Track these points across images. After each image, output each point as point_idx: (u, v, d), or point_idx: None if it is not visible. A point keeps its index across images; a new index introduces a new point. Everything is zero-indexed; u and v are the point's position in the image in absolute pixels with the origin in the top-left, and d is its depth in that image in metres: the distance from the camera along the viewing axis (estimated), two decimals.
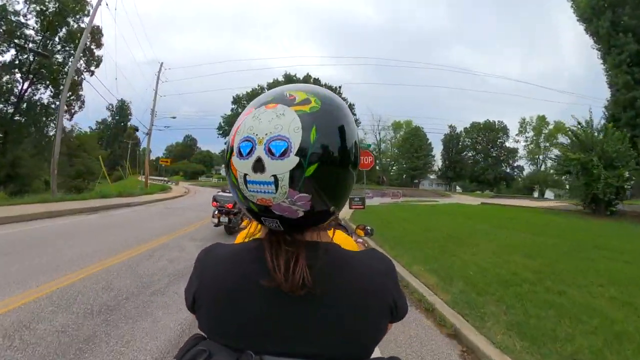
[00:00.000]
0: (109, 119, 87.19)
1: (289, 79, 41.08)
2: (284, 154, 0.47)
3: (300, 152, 0.48)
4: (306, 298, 0.53)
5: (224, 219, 7.82)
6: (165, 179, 58.57)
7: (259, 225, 0.62)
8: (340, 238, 0.96)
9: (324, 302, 0.54)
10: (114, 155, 73.49)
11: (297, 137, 0.48)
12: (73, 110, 41.43)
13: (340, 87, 42.54)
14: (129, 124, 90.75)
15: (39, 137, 33.42)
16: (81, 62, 41.24)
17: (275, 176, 0.48)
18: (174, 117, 28.25)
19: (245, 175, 0.49)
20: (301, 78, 41.16)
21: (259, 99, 0.56)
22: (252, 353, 0.50)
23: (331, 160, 0.50)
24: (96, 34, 40.09)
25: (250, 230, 0.68)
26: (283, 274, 0.52)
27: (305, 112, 0.50)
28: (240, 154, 0.50)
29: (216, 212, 7.83)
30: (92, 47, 40.70)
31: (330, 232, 0.65)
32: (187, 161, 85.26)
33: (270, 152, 0.47)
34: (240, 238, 0.89)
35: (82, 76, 41.27)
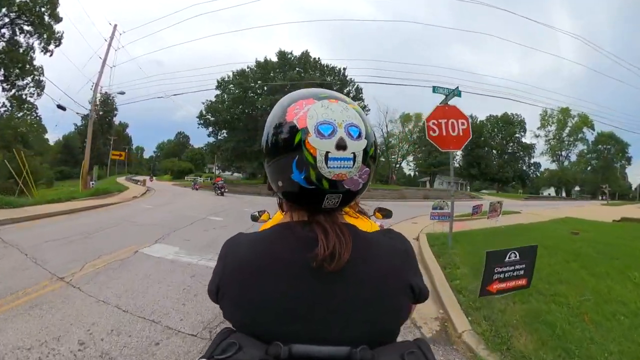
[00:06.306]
0: (93, 114, 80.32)
1: (284, 56, 34.15)
2: (359, 137, 0.58)
3: (367, 137, 0.60)
4: (330, 279, 0.56)
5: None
6: (148, 177, 52.82)
7: (280, 217, 0.68)
8: (361, 220, 0.99)
9: (346, 283, 0.57)
10: (98, 153, 68.17)
11: (362, 126, 0.60)
12: (24, 96, 34.87)
13: (345, 68, 35.65)
14: (114, 119, 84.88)
15: None
16: (35, 39, 34.33)
17: (354, 153, 0.57)
18: (122, 93, 21.25)
19: (327, 153, 0.56)
20: (297, 56, 34.33)
21: (309, 94, 0.62)
22: (280, 344, 0.51)
23: (375, 145, 0.63)
24: (51, 4, 33.07)
25: (275, 220, 0.73)
26: (331, 251, 0.56)
27: (356, 109, 0.62)
28: (320, 134, 0.56)
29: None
30: (50, 21, 33.79)
31: (352, 214, 0.75)
32: (177, 159, 78.98)
33: (349, 134, 0.57)
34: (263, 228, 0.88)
35: (33, 55, 34.50)
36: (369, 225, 1.08)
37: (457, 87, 5.14)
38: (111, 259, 5.08)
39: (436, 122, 5.05)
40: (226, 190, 22.75)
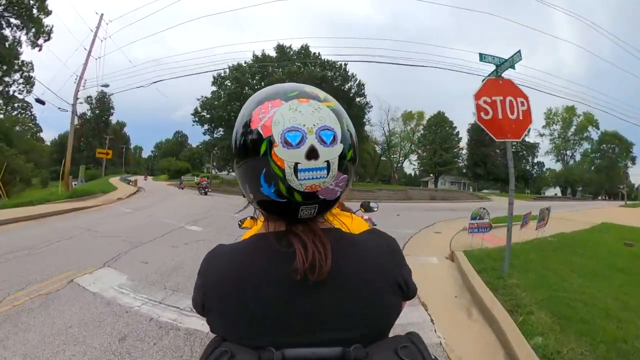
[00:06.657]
0: (89, 113, 78.84)
1: (282, 50, 32.66)
2: (333, 141, 0.51)
3: (342, 140, 0.52)
4: (316, 284, 0.53)
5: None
6: (142, 177, 52.09)
7: (260, 224, 0.64)
8: (348, 218, 0.95)
9: (333, 287, 0.54)
10: (94, 152, 66.83)
11: (338, 128, 0.52)
12: (12, 92, 33.60)
13: (346, 64, 34.13)
14: (110, 118, 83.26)
15: None
16: (23, 33, 33.01)
17: (327, 162, 0.51)
18: (106, 85, 19.72)
19: (296, 164, 0.50)
20: (296, 50, 32.82)
21: (276, 93, 0.55)
22: (273, 349, 0.50)
23: (355, 146, 0.56)
24: None
25: (255, 229, 0.66)
26: (310, 263, 0.52)
27: (332, 107, 0.54)
28: (288, 144, 0.49)
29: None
30: (39, 14, 32.44)
31: (339, 213, 0.68)
32: (175, 159, 77.68)
33: (321, 140, 0.50)
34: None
35: (20, 50, 33.21)
36: (357, 222, 1.05)
37: (519, 50, 3.73)
38: (38, 291, 3.63)
39: (489, 100, 3.64)
40: (210, 190, 24.37)
